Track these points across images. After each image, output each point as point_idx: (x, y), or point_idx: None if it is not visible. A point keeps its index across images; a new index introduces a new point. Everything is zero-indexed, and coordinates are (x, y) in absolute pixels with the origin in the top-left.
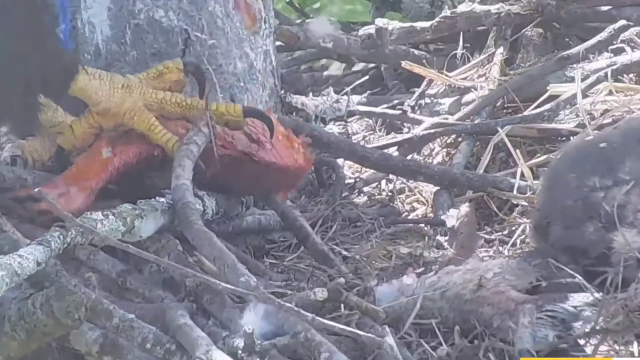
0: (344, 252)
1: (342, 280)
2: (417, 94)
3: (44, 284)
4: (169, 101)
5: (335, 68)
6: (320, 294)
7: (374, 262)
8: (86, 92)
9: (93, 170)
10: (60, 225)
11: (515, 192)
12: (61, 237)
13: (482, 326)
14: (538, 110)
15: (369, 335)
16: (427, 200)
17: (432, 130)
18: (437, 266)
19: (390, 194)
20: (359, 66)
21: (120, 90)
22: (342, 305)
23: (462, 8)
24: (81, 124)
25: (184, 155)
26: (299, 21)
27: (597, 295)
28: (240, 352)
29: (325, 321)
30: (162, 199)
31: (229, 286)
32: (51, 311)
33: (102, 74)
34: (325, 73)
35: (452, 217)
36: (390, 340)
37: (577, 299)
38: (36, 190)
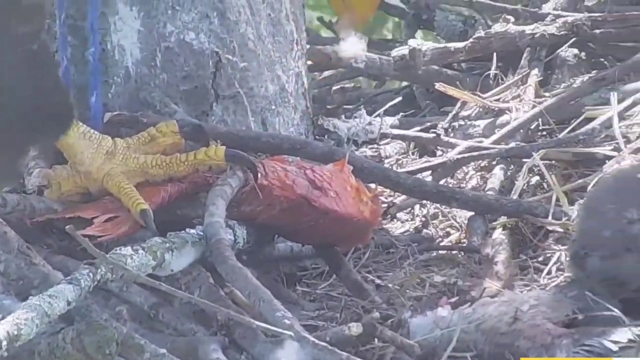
0: (377, 280)
1: (376, 314)
2: (450, 116)
3: (74, 318)
4: (150, 164)
5: (367, 85)
6: (355, 329)
7: (407, 290)
8: (73, 150)
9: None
10: (90, 263)
11: (550, 218)
12: (91, 274)
13: None
14: (573, 133)
15: None
16: (461, 226)
17: (466, 155)
18: (472, 296)
19: (423, 219)
20: (390, 85)
21: (104, 156)
22: (375, 339)
23: (496, 28)
24: (68, 182)
25: (218, 195)
26: (328, 38)
27: (636, 330)
28: None
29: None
30: (192, 231)
31: (263, 325)
32: (82, 346)
33: (93, 135)
34: (357, 93)
35: (488, 245)
36: None
37: (615, 334)
38: (67, 227)
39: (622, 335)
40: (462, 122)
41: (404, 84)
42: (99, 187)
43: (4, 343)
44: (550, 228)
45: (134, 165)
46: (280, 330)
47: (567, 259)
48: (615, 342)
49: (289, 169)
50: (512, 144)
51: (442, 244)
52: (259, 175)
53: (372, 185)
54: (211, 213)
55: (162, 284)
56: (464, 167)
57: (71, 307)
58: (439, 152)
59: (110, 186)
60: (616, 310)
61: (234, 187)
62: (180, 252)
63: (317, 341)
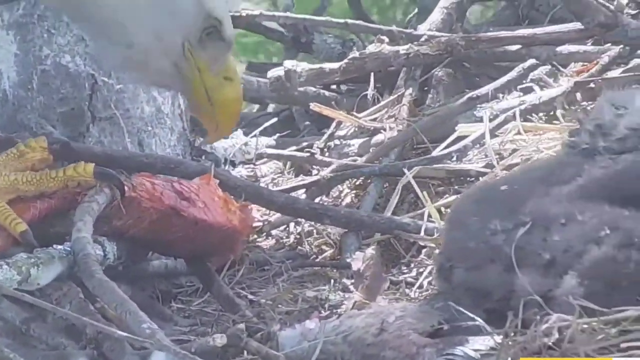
0: (250, 297)
1: (242, 326)
2: (326, 135)
3: None
4: (21, 181)
5: (248, 108)
6: (220, 340)
7: (279, 305)
8: None
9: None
10: None
11: (422, 233)
12: None
13: None
14: (447, 150)
15: None
16: (335, 243)
17: (339, 172)
18: (343, 310)
19: (298, 236)
20: (271, 107)
21: None
22: (244, 351)
23: (370, 49)
24: None
25: (85, 211)
26: None
27: (497, 338)
28: None
29: None
30: (59, 247)
31: (125, 334)
32: None
33: None
34: None
35: (358, 260)
36: None
37: (477, 342)
38: None
39: (484, 343)
40: (337, 142)
41: (284, 106)
42: None
43: None
44: (422, 243)
45: (5, 183)
46: (142, 339)
47: (435, 271)
48: (477, 350)
49: (157, 182)
50: (386, 162)
51: (316, 260)
52: (127, 189)
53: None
54: (78, 229)
55: (26, 295)
56: (339, 186)
57: None
58: (314, 172)
59: None
60: (479, 319)
61: (100, 203)
62: (47, 267)
63: (179, 350)
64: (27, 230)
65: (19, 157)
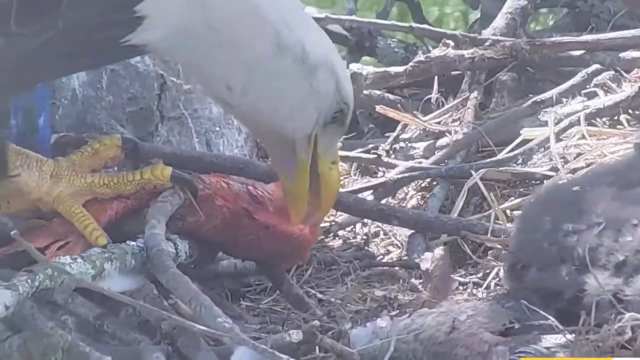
0: (319, 295)
1: (316, 322)
2: (391, 138)
3: (20, 326)
4: (98, 183)
5: None
6: (295, 336)
7: (348, 305)
8: (18, 184)
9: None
10: (28, 270)
11: (489, 235)
12: (29, 280)
13: None
14: (512, 153)
15: None
16: (401, 244)
17: (406, 174)
18: (411, 309)
19: (365, 237)
20: None
21: (49, 180)
22: (317, 348)
23: (435, 53)
24: (19, 201)
25: (159, 210)
26: None
27: (569, 336)
28: None
29: None
30: (132, 242)
31: (204, 328)
32: (28, 353)
33: (32, 162)
34: None
35: (427, 260)
36: None
37: (549, 341)
38: (13, 233)
39: (556, 341)
40: (403, 144)
41: None
42: (50, 208)
43: None
44: (489, 245)
45: (81, 185)
46: (220, 333)
47: (504, 271)
48: (549, 348)
49: (232, 182)
50: (452, 164)
51: (383, 260)
52: (200, 189)
53: None
54: (152, 226)
55: (105, 288)
56: (404, 188)
57: (9, 311)
58: (380, 173)
59: (61, 210)
60: (551, 318)
61: (174, 205)
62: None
63: (257, 344)
64: (108, 242)
65: (93, 155)
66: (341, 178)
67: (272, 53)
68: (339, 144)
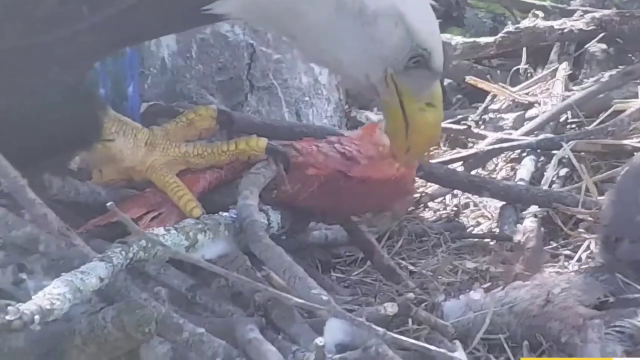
0: (410, 267)
1: (411, 295)
2: (481, 109)
3: (114, 298)
4: (192, 154)
5: None
6: (391, 308)
7: (440, 276)
8: (112, 150)
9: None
10: (122, 241)
11: (580, 207)
12: (123, 252)
13: (549, 341)
14: (602, 125)
15: (440, 350)
16: (492, 215)
17: (496, 146)
18: (503, 281)
19: (455, 208)
20: None
21: (143, 149)
22: (410, 320)
23: (525, 24)
24: (111, 170)
25: (252, 181)
26: None
27: None
28: None
29: (397, 336)
30: (225, 213)
31: (301, 301)
32: (122, 325)
33: (127, 128)
34: None
35: (519, 232)
36: (461, 355)
37: None
38: (108, 204)
39: None
40: (492, 115)
41: None
42: (143, 178)
43: (37, 317)
44: (580, 217)
45: (175, 155)
46: (317, 306)
47: (598, 244)
48: None
49: (320, 145)
50: (542, 136)
51: (473, 232)
52: (294, 154)
53: None
54: (245, 197)
55: (202, 260)
56: (493, 159)
57: (104, 283)
58: (469, 144)
59: (154, 179)
60: None
61: (266, 177)
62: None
63: (354, 317)
64: (202, 214)
65: (188, 125)
66: (441, 122)
67: (333, 6)
68: (439, 87)
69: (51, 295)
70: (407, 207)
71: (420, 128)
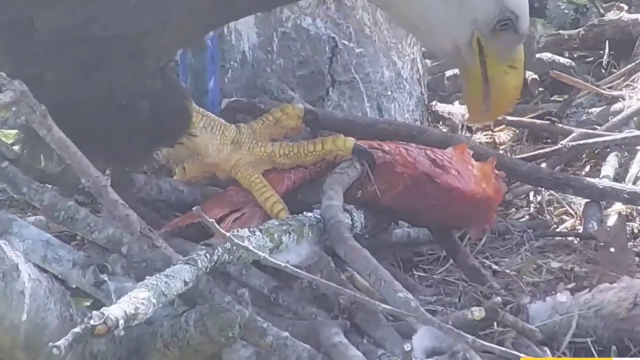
0: (494, 266)
1: (498, 299)
2: (564, 102)
3: (196, 300)
4: (278, 153)
5: None
6: (478, 313)
7: (524, 276)
8: (198, 144)
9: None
10: (207, 244)
11: None
12: (208, 255)
13: (638, 345)
14: None
15: (529, 358)
16: (576, 213)
17: (581, 142)
18: (589, 281)
19: (538, 206)
20: None
21: (230, 147)
22: (494, 323)
23: (609, 16)
24: (195, 167)
25: (336, 181)
26: None
27: None
28: None
29: (486, 343)
30: (309, 214)
31: (389, 307)
32: (205, 329)
33: (215, 125)
34: None
35: (604, 231)
36: None
37: None
38: (194, 208)
39: None
40: (575, 110)
41: None
42: (227, 176)
43: (121, 322)
44: None
45: (261, 154)
46: (405, 312)
47: None
48: None
49: (410, 148)
50: (627, 131)
51: (557, 230)
52: (381, 154)
53: None
54: (330, 197)
55: (288, 265)
56: (577, 154)
57: (188, 287)
58: (551, 139)
59: (239, 178)
60: None
61: (351, 177)
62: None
63: (442, 324)
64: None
65: (275, 124)
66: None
67: None
68: (522, 50)
69: (136, 299)
70: (486, 231)
71: (503, 90)
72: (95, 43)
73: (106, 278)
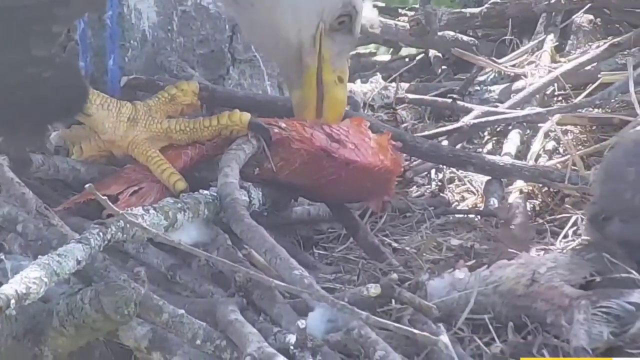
0: (394, 244)
1: (395, 276)
2: (466, 81)
3: (92, 278)
4: (174, 129)
5: (383, 53)
6: (374, 290)
7: (424, 254)
8: (94, 121)
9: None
10: (100, 222)
11: (566, 182)
12: (101, 234)
13: (535, 322)
14: (589, 98)
15: (425, 334)
16: (477, 190)
17: (482, 119)
18: (489, 258)
19: (439, 183)
20: (405, 51)
21: (126, 124)
22: (392, 300)
23: None
24: (91, 146)
25: (232, 158)
26: None
27: None
28: (291, 348)
29: (381, 320)
30: (205, 192)
31: (282, 284)
32: (100, 307)
33: (111, 103)
34: (372, 59)
35: (504, 208)
36: (445, 339)
37: (633, 295)
38: (87, 186)
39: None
40: (477, 88)
41: (419, 51)
42: (124, 153)
43: (12, 302)
44: (566, 192)
45: (158, 130)
46: (299, 289)
47: (585, 221)
48: (632, 303)
49: (306, 124)
50: (528, 109)
51: (458, 208)
52: (277, 130)
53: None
54: (225, 174)
55: (178, 241)
56: (479, 132)
57: (81, 265)
58: (453, 117)
59: (136, 154)
60: (634, 272)
61: (247, 153)
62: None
63: (336, 300)
64: (187, 189)
65: (170, 101)
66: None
67: None
68: (348, 61)
69: (28, 278)
70: (386, 206)
71: (333, 103)
72: (6, 10)
73: (2, 257)
